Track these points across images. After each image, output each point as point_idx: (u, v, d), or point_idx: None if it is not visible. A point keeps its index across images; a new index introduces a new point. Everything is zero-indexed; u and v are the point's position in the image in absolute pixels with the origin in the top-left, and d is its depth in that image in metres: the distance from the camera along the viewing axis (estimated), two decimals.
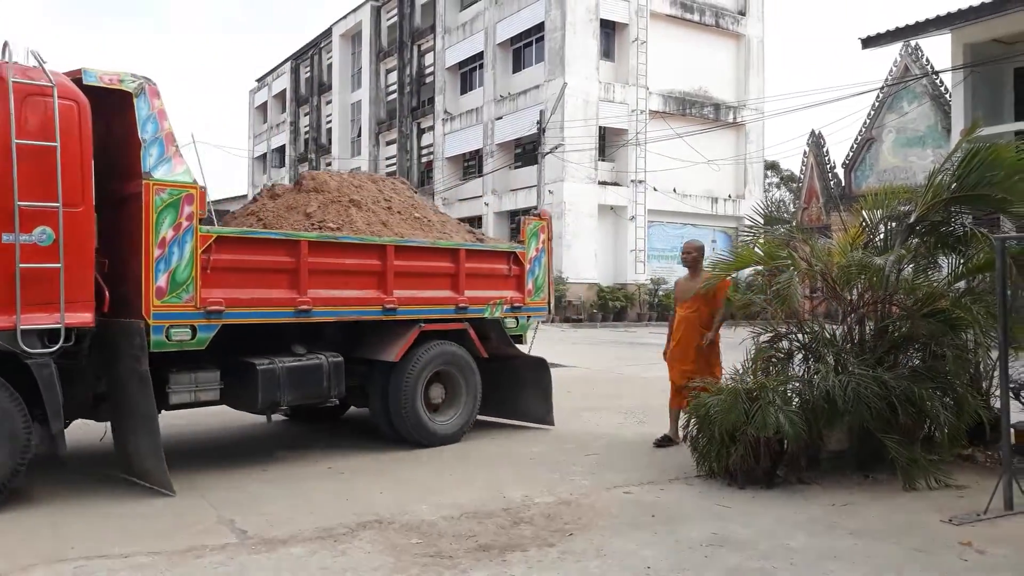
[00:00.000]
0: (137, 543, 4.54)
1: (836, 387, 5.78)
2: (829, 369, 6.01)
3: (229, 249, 6.00)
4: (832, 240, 7.77)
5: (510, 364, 8.17)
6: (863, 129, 27.00)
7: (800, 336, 6.66)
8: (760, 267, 7.27)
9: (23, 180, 5.06)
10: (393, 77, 42.23)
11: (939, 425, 6.07)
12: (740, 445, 5.76)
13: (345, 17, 46.05)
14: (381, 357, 7.03)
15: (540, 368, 8.17)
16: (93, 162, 5.41)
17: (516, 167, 33.84)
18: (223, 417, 7.92)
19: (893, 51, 24.94)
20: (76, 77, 5.49)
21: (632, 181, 31.67)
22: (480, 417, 7.92)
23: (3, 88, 5.06)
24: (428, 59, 39.60)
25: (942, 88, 23.90)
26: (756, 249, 7.16)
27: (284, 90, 54.35)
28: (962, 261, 6.66)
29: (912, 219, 6.53)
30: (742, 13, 35.07)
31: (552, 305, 8.51)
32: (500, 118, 33.75)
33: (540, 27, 32.04)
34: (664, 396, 7.54)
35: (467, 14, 36.65)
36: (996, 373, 6.18)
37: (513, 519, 5.08)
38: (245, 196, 39.31)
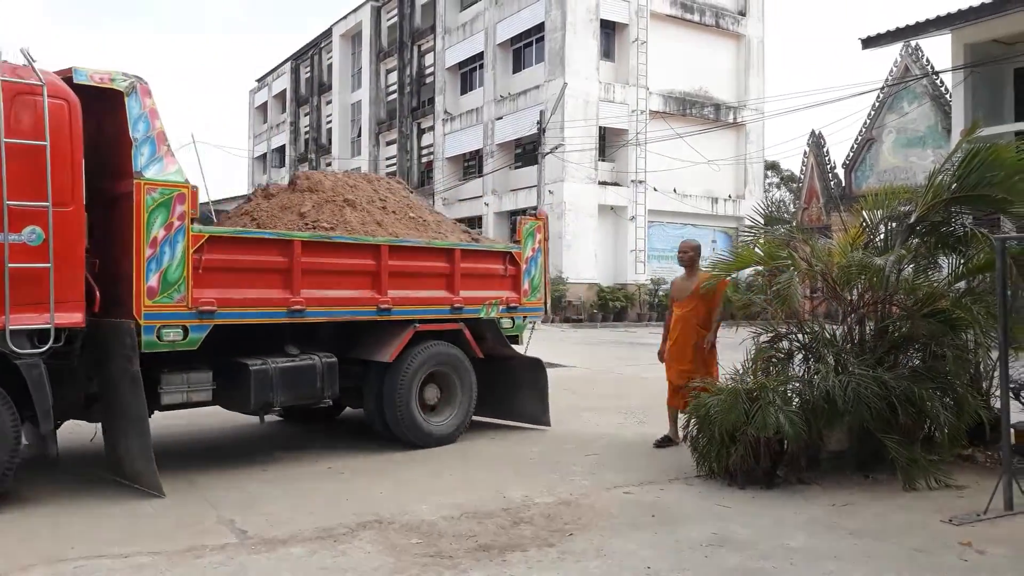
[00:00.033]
0: (137, 543, 4.55)
1: (836, 387, 5.78)
2: (829, 369, 6.01)
3: (221, 249, 5.97)
4: (832, 240, 7.77)
5: (506, 365, 8.14)
6: (863, 129, 27.00)
7: (800, 336, 6.66)
8: (760, 267, 7.27)
9: (12, 179, 5.04)
10: (393, 77, 42.22)
11: (939, 425, 6.07)
12: (740, 445, 5.76)
13: (345, 17, 46.05)
14: (375, 358, 7.00)
15: (536, 368, 8.15)
16: (84, 161, 5.38)
17: (516, 167, 33.84)
18: (223, 417, 7.92)
19: (893, 51, 24.95)
20: (67, 76, 5.45)
21: (632, 181, 31.66)
22: (476, 418, 7.90)
23: None
24: (428, 59, 39.59)
25: (942, 88, 23.90)
26: (756, 249, 7.15)
27: (284, 90, 54.35)
28: (962, 261, 6.66)
29: (912, 219, 6.53)
30: (742, 13, 35.07)
31: (548, 305, 8.49)
32: (500, 118, 33.75)
33: (540, 27, 32.03)
34: (664, 396, 7.53)
35: (467, 14, 36.65)
36: (996, 373, 6.18)
37: (513, 519, 5.08)
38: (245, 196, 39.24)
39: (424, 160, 40.19)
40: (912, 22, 18.50)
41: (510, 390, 8.25)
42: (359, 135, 45.19)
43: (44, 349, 5.17)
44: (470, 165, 37.13)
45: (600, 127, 31.18)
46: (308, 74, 51.10)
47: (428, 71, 39.71)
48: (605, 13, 31.36)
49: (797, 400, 6.04)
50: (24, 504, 5.30)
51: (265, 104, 57.98)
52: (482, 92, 35.24)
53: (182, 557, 4.36)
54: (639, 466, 6.59)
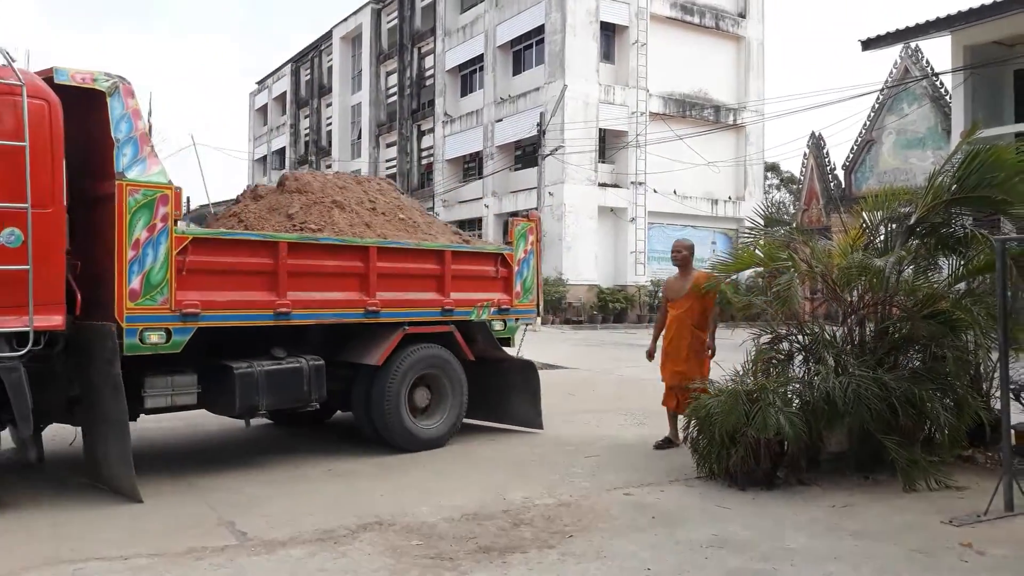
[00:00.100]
0: (137, 545, 4.54)
1: (836, 388, 5.78)
2: (829, 370, 6.01)
3: (206, 251, 5.92)
4: (832, 242, 7.77)
5: (498, 367, 8.07)
6: (863, 131, 27.00)
7: (800, 337, 6.66)
8: (760, 269, 7.27)
9: None
10: (393, 79, 42.23)
11: (939, 426, 6.08)
12: (740, 446, 5.76)
13: (345, 20, 46.06)
14: (364, 360, 6.93)
15: (528, 371, 8.08)
16: (66, 162, 5.32)
17: (516, 169, 33.84)
18: (222, 419, 7.89)
19: (893, 53, 24.95)
20: (48, 76, 5.40)
21: (632, 183, 31.66)
22: (468, 421, 7.86)
23: None
24: (428, 61, 39.60)
25: (942, 90, 23.90)
26: (756, 251, 7.16)
27: (284, 92, 54.36)
28: (962, 263, 6.66)
29: (912, 221, 6.54)
30: (742, 15, 35.08)
31: (541, 307, 8.46)
32: (500, 120, 33.75)
33: (540, 30, 32.04)
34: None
35: (467, 17, 36.67)
36: (996, 374, 6.18)
37: (513, 521, 5.08)
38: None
39: (424, 162, 40.19)
40: (912, 24, 18.50)
41: (502, 393, 8.17)
42: (359, 137, 45.20)
43: (23, 352, 5.08)
44: (470, 167, 37.14)
45: (600, 129, 31.17)
46: (308, 76, 51.12)
47: (428, 73, 39.72)
48: (605, 15, 31.36)
49: (797, 401, 6.04)
50: (23, 506, 5.30)
51: (265, 106, 57.99)
52: (482, 94, 35.25)
53: (182, 559, 4.36)
54: (639, 467, 6.59)
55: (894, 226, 6.86)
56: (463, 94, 37.40)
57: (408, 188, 39.29)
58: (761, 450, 5.76)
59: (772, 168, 44.46)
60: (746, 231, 7.95)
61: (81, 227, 5.68)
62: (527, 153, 32.78)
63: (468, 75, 37.14)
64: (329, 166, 45.04)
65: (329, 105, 48.09)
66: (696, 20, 33.72)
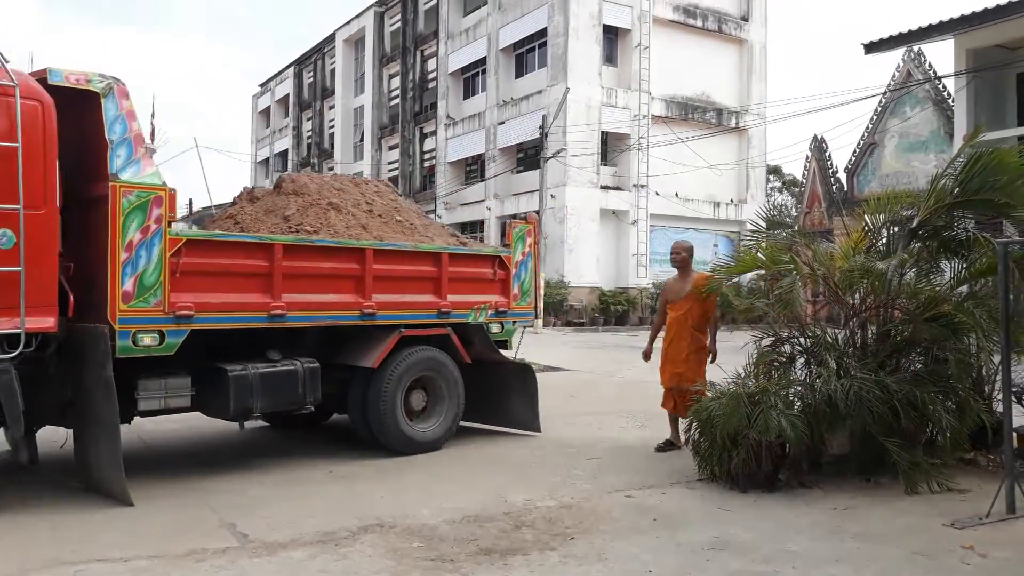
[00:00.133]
0: (137, 546, 4.55)
1: (838, 391, 5.77)
2: (831, 373, 6.01)
3: (200, 253, 5.89)
4: (834, 244, 7.78)
5: (495, 370, 8.03)
6: (865, 134, 26.95)
7: (802, 340, 6.66)
8: (762, 271, 7.27)
9: None
10: (396, 82, 42.29)
11: (941, 429, 6.07)
12: (742, 449, 5.76)
13: (348, 22, 46.14)
14: (360, 363, 6.89)
15: (525, 374, 8.04)
16: (59, 164, 5.29)
17: (518, 172, 33.86)
18: (222, 421, 7.90)
19: (896, 56, 24.88)
20: (41, 77, 5.37)
21: (634, 186, 31.67)
22: (465, 424, 7.84)
23: None
24: (431, 64, 39.65)
25: (945, 93, 23.87)
26: (759, 253, 7.15)
27: (287, 95, 54.46)
28: (964, 265, 6.66)
29: (915, 224, 6.54)
30: (744, 18, 35.10)
31: (540, 310, 8.47)
32: (503, 123, 33.78)
33: (543, 33, 32.08)
34: None
35: (470, 20, 36.72)
36: (998, 377, 6.17)
37: (514, 523, 5.08)
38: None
39: (426, 165, 40.23)
40: (915, 27, 18.50)
41: (499, 396, 8.13)
42: (362, 140, 45.27)
43: (14, 354, 5.05)
44: (472, 170, 37.17)
45: (602, 132, 31.20)
46: (311, 79, 51.20)
47: (431, 76, 39.77)
48: (608, 18, 31.40)
49: (799, 404, 6.04)
50: (24, 508, 5.30)
51: (268, 109, 58.08)
52: (484, 97, 35.30)
53: (183, 561, 4.36)
54: (641, 470, 6.59)
55: (896, 229, 6.86)
56: (465, 97, 37.44)
57: (410, 190, 39.34)
58: (763, 452, 5.76)
59: (774, 171, 44.45)
60: (748, 234, 7.94)
61: (75, 229, 5.66)
62: (529, 156, 32.80)
63: (471, 78, 37.19)
64: (331, 168, 45.10)
65: (332, 107, 48.17)
66: (699, 23, 33.74)
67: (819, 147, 28.66)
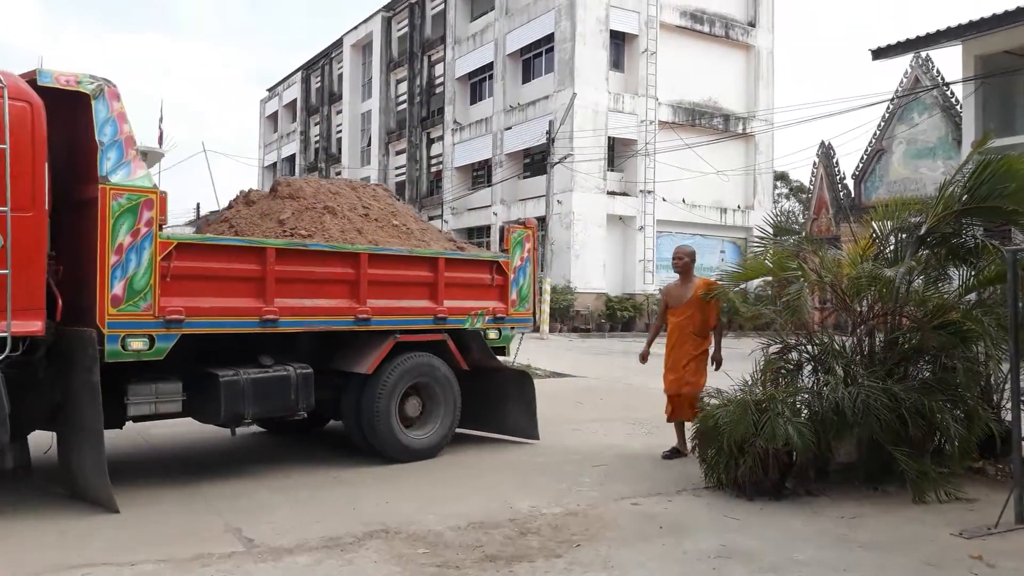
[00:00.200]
0: (143, 551, 4.55)
1: (845, 399, 5.75)
2: (838, 381, 5.98)
3: (191, 256, 5.83)
4: (842, 251, 7.75)
5: (493, 377, 7.96)
6: (873, 140, 26.91)
7: (809, 347, 6.64)
8: (770, 278, 7.25)
9: None
10: (403, 87, 42.40)
11: (949, 438, 6.04)
12: (749, 456, 5.74)
13: (356, 27, 46.29)
14: (354, 369, 6.83)
15: (523, 381, 7.98)
16: (49, 166, 5.26)
17: (525, 177, 33.89)
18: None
19: (904, 62, 24.85)
20: (31, 78, 5.34)
21: (641, 191, 31.66)
22: (465, 432, 7.81)
23: None
24: (438, 69, 39.74)
25: (953, 99, 23.82)
26: (766, 260, 7.14)
27: (295, 100, 54.64)
28: (973, 273, 6.62)
29: (923, 231, 6.51)
30: (752, 24, 35.09)
31: (543, 316, 8.44)
32: (509, 128, 33.82)
33: (550, 38, 32.12)
34: None
35: (477, 25, 36.80)
36: (1007, 386, 6.14)
37: (520, 530, 5.07)
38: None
39: (433, 170, 40.31)
40: (923, 33, 18.46)
41: (497, 403, 8.05)
42: (369, 144, 45.38)
43: (0, 358, 4.99)
44: (479, 175, 37.21)
45: (609, 137, 31.20)
46: (319, 84, 51.38)
47: (438, 81, 39.87)
48: (615, 24, 31.43)
49: (806, 411, 6.01)
50: (29, 511, 5.31)
51: (276, 113, 58.29)
52: (491, 102, 35.35)
53: (188, 565, 4.36)
54: (647, 477, 6.57)
55: (904, 236, 6.83)
56: (472, 102, 37.51)
57: (417, 195, 39.42)
58: (769, 460, 5.74)
59: (781, 177, 44.37)
60: (755, 240, 7.92)
61: (65, 231, 5.62)
62: (536, 161, 32.82)
63: (478, 83, 37.27)
64: (339, 173, 45.23)
65: (339, 112, 48.31)
66: (706, 29, 33.75)
67: (826, 153, 28.62)
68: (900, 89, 25.65)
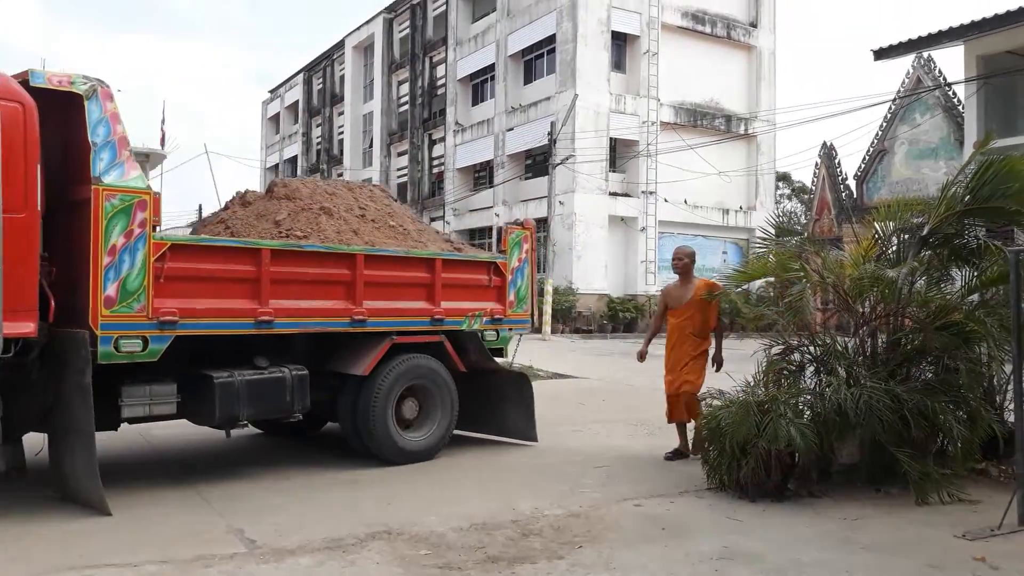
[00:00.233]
0: (145, 551, 4.55)
1: (848, 400, 5.74)
2: (841, 382, 5.97)
3: (185, 257, 5.81)
4: (844, 252, 7.74)
5: (491, 378, 7.93)
6: (875, 141, 26.90)
7: (812, 348, 6.63)
8: (772, 279, 7.24)
9: None
10: (405, 89, 42.43)
11: (952, 439, 6.03)
12: (751, 458, 5.73)
13: (358, 29, 46.33)
14: (350, 371, 6.81)
15: (521, 382, 7.94)
16: (42, 167, 5.24)
17: (527, 178, 33.89)
18: None
19: (906, 63, 24.84)
20: (23, 79, 5.33)
21: (643, 192, 31.66)
22: (462, 433, 7.79)
23: None
24: (440, 71, 39.77)
25: (955, 100, 23.80)
26: (768, 261, 7.13)
27: (297, 101, 54.68)
28: (975, 274, 6.62)
29: (925, 231, 6.50)
30: (753, 25, 35.09)
31: (545, 318, 8.42)
32: (511, 129, 33.84)
33: (551, 39, 32.13)
34: None
35: (479, 26, 36.82)
36: (1010, 386, 6.13)
37: (522, 531, 5.07)
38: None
39: (435, 171, 40.33)
40: (925, 33, 18.46)
41: (495, 404, 8.01)
42: (371, 146, 45.41)
43: None
44: (481, 176, 37.23)
45: (611, 138, 31.19)
46: (320, 85, 51.42)
47: (440, 83, 39.89)
48: (616, 25, 31.44)
49: (808, 413, 6.01)
50: (28, 513, 5.31)
51: (278, 115, 58.34)
52: (493, 103, 35.37)
53: (191, 566, 4.36)
54: (649, 478, 6.57)
55: (906, 237, 6.82)
56: (474, 103, 37.53)
57: (419, 197, 39.44)
58: (772, 462, 5.73)
59: (783, 178, 44.34)
60: (757, 241, 7.91)
61: (58, 232, 5.60)
62: (538, 162, 32.83)
63: (479, 84, 37.28)
64: (341, 174, 45.27)
65: (341, 114, 48.35)
66: (707, 30, 33.75)
67: (828, 154, 28.61)
68: (902, 89, 25.63)
